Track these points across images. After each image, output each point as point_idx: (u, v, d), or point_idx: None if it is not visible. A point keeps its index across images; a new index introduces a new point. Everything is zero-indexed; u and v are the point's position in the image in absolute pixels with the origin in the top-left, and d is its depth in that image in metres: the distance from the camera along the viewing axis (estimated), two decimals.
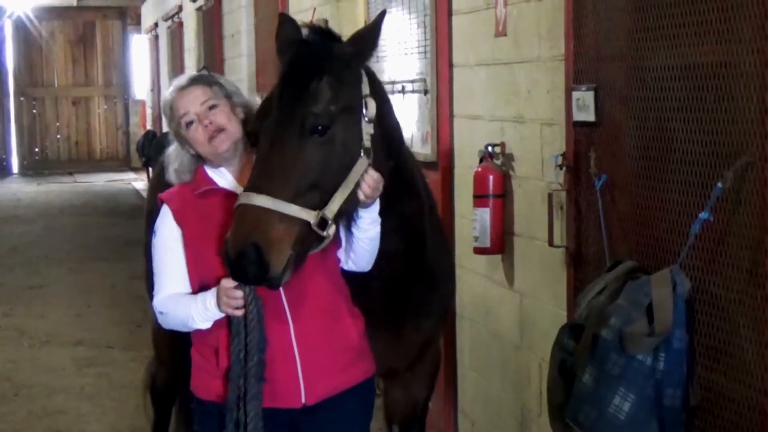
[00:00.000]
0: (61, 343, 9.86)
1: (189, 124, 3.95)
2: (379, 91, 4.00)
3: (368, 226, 3.89)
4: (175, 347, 4.88)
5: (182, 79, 4.07)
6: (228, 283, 3.73)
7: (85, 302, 11.56)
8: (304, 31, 3.87)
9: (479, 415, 6.36)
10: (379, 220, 3.90)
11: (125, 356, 9.25)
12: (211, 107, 3.95)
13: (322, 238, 3.67)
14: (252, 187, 3.60)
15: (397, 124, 4.21)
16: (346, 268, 4.05)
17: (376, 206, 3.85)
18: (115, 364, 9.09)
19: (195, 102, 3.95)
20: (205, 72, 4.17)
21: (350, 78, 3.81)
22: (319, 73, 3.70)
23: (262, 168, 3.64)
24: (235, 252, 3.53)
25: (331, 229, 3.66)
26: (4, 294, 12.06)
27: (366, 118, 3.80)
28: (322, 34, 3.85)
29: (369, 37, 3.89)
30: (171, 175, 4.08)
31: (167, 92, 4.08)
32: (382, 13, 3.91)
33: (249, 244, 3.51)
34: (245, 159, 3.99)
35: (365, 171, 3.71)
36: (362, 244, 3.95)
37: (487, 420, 6.22)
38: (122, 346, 9.62)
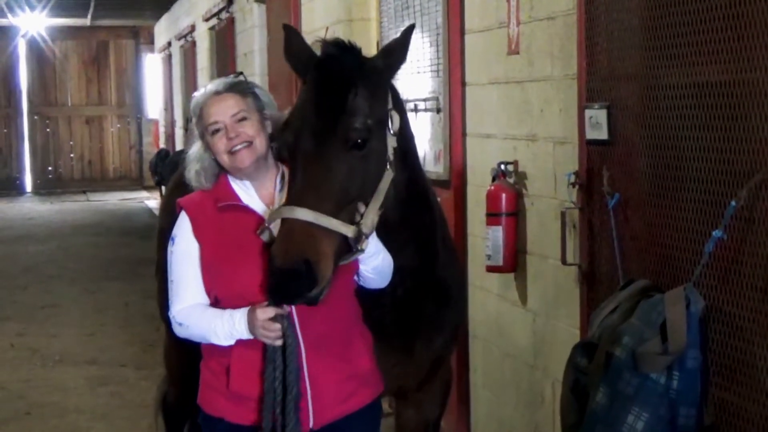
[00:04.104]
0: (74, 363, 9.85)
1: (215, 132, 3.88)
2: (400, 105, 4.02)
3: (370, 260, 3.87)
4: (186, 366, 4.86)
5: (219, 84, 3.97)
6: (264, 314, 3.69)
7: (98, 321, 11.55)
8: (318, 44, 3.85)
9: None
10: (380, 252, 3.89)
11: (138, 375, 9.24)
12: (241, 119, 3.87)
13: (354, 252, 3.67)
14: (295, 200, 3.59)
15: (412, 135, 4.23)
16: (361, 283, 4.05)
17: (373, 241, 3.82)
18: (128, 383, 9.08)
19: (226, 112, 3.87)
20: (242, 78, 4.07)
21: (380, 92, 3.84)
22: (355, 86, 3.70)
23: (304, 182, 3.63)
24: (286, 267, 3.49)
25: (365, 243, 3.66)
26: (18, 313, 12.06)
27: (391, 132, 3.82)
28: (346, 48, 3.84)
29: (399, 50, 3.91)
30: (191, 174, 3.99)
31: (200, 92, 4.00)
32: (411, 27, 3.92)
33: (301, 261, 3.48)
34: (271, 174, 3.96)
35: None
36: (368, 274, 3.96)
37: None
38: (135, 365, 9.61)
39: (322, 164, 3.62)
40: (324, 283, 3.55)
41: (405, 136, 4.02)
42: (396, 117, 3.86)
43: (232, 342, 3.82)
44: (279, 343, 3.73)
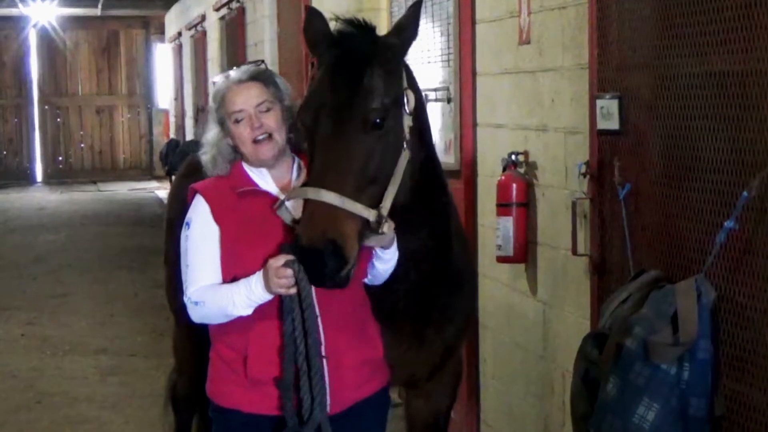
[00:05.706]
0: (84, 352, 9.88)
1: (239, 120, 3.88)
2: (414, 83, 4.01)
3: (390, 256, 3.89)
4: (196, 356, 4.86)
5: (242, 72, 3.97)
6: (276, 261, 3.66)
7: (108, 311, 11.58)
8: (335, 24, 3.85)
9: (502, 425, 6.33)
10: (396, 249, 3.90)
11: (148, 365, 9.26)
12: (266, 110, 3.87)
13: (375, 235, 3.67)
14: (317, 182, 3.59)
15: (427, 115, 4.22)
16: (368, 279, 4.06)
17: (394, 244, 3.86)
18: (138, 372, 9.11)
19: (251, 101, 3.87)
20: (263, 67, 4.07)
21: (395, 69, 3.83)
22: (371, 65, 3.70)
23: (325, 164, 3.63)
24: (312, 248, 3.50)
25: (386, 227, 3.66)
26: (28, 302, 12.10)
27: (407, 111, 3.82)
28: (360, 26, 3.83)
29: (411, 26, 3.90)
30: (206, 158, 3.99)
31: (222, 79, 3.99)
32: (419, 2, 3.91)
33: (327, 241, 3.49)
34: (287, 164, 3.96)
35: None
36: (382, 270, 3.97)
37: (510, 430, 6.20)
38: (145, 354, 9.64)
39: (343, 146, 3.63)
40: (352, 262, 3.56)
41: (420, 115, 4.02)
42: (411, 96, 3.87)
43: (250, 311, 3.78)
44: (293, 291, 3.69)
